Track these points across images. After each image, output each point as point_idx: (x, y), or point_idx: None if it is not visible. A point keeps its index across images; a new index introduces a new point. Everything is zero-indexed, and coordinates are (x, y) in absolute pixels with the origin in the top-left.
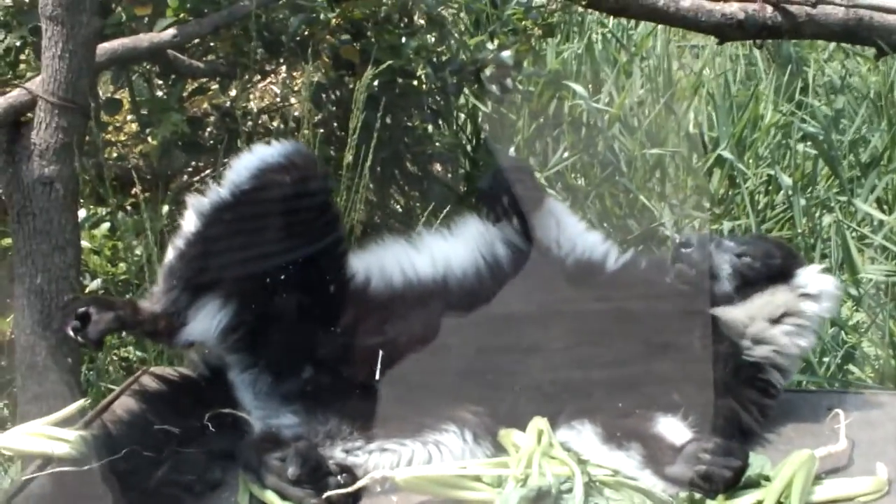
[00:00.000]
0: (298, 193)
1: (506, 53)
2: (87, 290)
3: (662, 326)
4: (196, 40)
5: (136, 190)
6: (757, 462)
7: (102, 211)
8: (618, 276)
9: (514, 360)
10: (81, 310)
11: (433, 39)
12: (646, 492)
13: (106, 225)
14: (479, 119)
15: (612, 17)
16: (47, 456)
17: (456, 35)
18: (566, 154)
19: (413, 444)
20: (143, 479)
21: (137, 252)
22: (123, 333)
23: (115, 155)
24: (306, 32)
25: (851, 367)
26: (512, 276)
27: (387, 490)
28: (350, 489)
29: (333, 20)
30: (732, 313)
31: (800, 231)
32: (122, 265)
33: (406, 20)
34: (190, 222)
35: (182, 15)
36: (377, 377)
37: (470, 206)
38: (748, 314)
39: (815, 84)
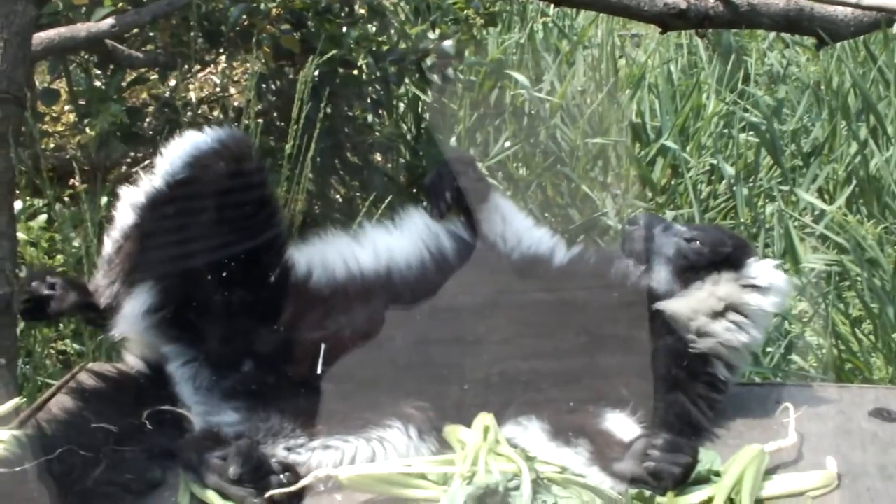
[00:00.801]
0: (234, 179)
1: (447, 43)
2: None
3: (609, 321)
4: (135, 30)
5: (74, 181)
6: (706, 458)
7: (39, 202)
8: (564, 271)
9: (459, 355)
10: (50, 280)
11: (374, 29)
12: (594, 489)
13: (43, 216)
14: (420, 109)
15: (553, 6)
16: None
17: (397, 24)
18: (508, 143)
19: (356, 441)
20: (79, 479)
21: (75, 244)
22: (60, 325)
23: (52, 146)
24: (247, 22)
25: (795, 356)
26: (457, 270)
27: (330, 489)
28: (293, 488)
29: (274, 10)
30: (676, 305)
31: (742, 220)
32: (60, 257)
33: (347, 10)
34: (125, 214)
35: (120, 4)
36: (319, 372)
37: (411, 196)
38: (691, 307)
39: (756, 74)
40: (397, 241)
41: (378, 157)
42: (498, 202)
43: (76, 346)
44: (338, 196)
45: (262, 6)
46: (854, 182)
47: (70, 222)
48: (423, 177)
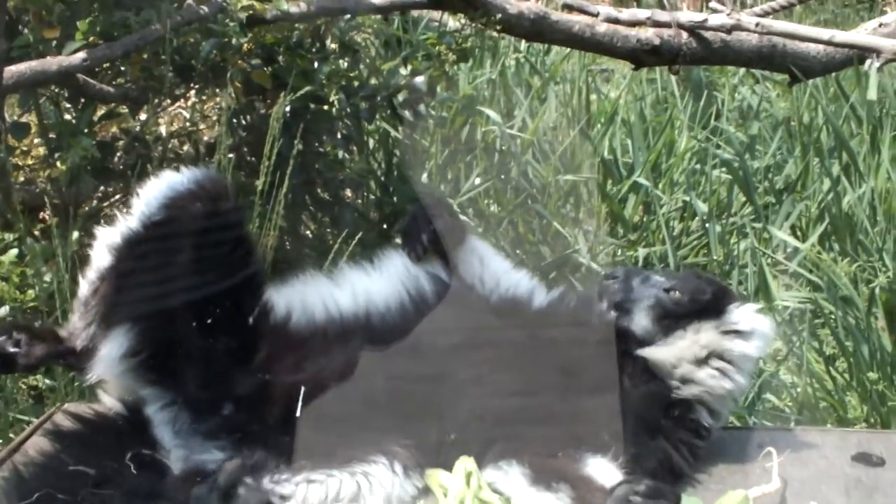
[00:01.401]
0: (211, 221)
1: (419, 79)
2: None
3: (591, 365)
4: (106, 64)
5: (44, 215)
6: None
7: (10, 236)
8: (544, 314)
9: (440, 397)
10: (16, 336)
11: (346, 65)
12: None
13: (14, 251)
14: (391, 145)
15: (525, 42)
16: None
17: (367, 60)
18: (479, 180)
19: (341, 475)
20: None
21: (47, 278)
22: None
23: (22, 179)
24: (218, 57)
25: (769, 395)
26: (436, 312)
27: None
28: None
29: (245, 45)
30: (659, 353)
31: (715, 258)
32: (31, 292)
33: (318, 45)
34: (101, 255)
35: (92, 38)
36: (299, 415)
37: (382, 232)
38: (675, 355)
39: (728, 110)
40: (376, 283)
41: (349, 192)
42: (475, 244)
43: (48, 381)
44: (308, 232)
45: (234, 41)
46: (827, 219)
47: (41, 256)
48: (394, 213)
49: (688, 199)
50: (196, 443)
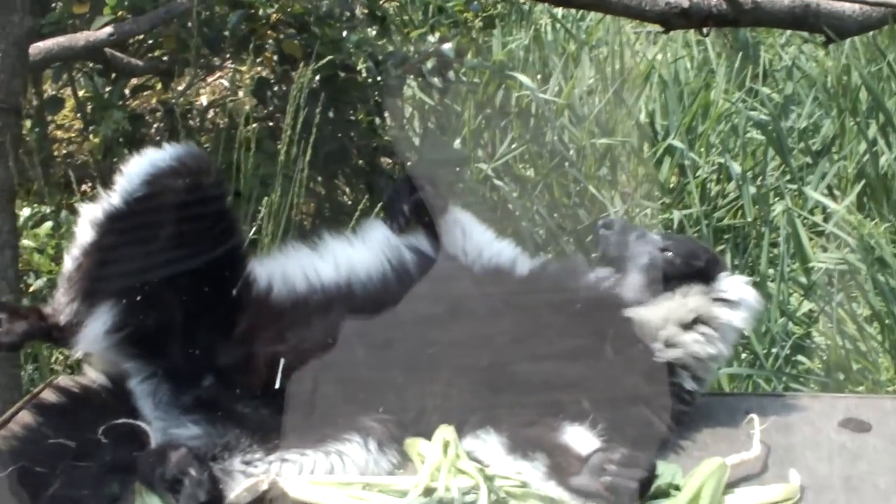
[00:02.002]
0: (192, 197)
1: (447, 46)
2: (30, 290)
3: (572, 332)
4: (138, 38)
5: (79, 188)
6: (667, 471)
7: (45, 209)
8: (526, 282)
9: (419, 367)
10: None
11: (374, 33)
12: (553, 503)
13: (49, 223)
14: (424, 111)
15: (555, 7)
16: None
17: (395, 28)
18: (514, 145)
19: (315, 454)
20: (35, 496)
21: None
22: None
23: (58, 152)
24: (247, 29)
25: (801, 357)
26: (418, 282)
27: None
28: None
29: (274, 16)
30: (646, 313)
31: (750, 219)
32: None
33: (347, 14)
34: (84, 231)
35: (120, 13)
36: (278, 386)
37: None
38: (661, 315)
39: (772, 70)
40: (358, 253)
41: (384, 160)
42: (457, 216)
43: None
44: (346, 199)
45: (262, 12)
46: (863, 180)
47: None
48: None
49: (723, 161)
50: (173, 416)
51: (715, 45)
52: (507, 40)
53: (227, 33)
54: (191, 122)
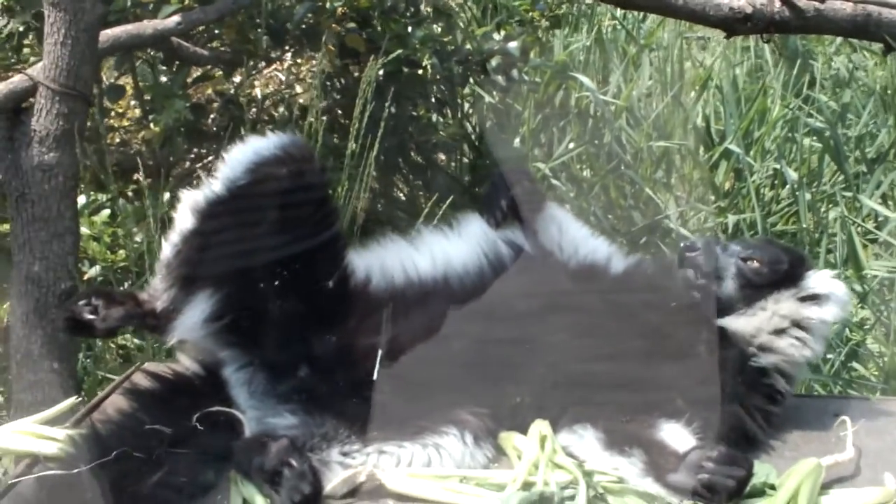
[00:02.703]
0: (295, 187)
1: (512, 44)
2: (85, 278)
3: (667, 331)
4: (200, 27)
5: (137, 176)
6: (762, 471)
7: (103, 197)
8: (622, 280)
9: (516, 361)
10: (94, 301)
11: (439, 29)
12: (650, 499)
13: (106, 212)
14: (478, 109)
15: (619, 9)
16: (36, 455)
17: (461, 25)
18: (572, 145)
19: (412, 447)
20: (133, 481)
21: (137, 239)
22: None
23: (117, 141)
24: (312, 21)
25: (856, 365)
26: (515, 277)
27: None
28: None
29: (339, 9)
30: (738, 324)
31: (805, 226)
32: (122, 252)
33: (412, 10)
34: (184, 218)
35: (187, 2)
36: (376, 377)
37: (474, 196)
38: (755, 325)
39: (823, 78)
40: (455, 246)
41: (441, 156)
42: (553, 212)
43: (136, 341)
44: (401, 195)
45: (328, 5)
46: None
47: (133, 217)
48: (487, 177)
49: (778, 166)
50: (269, 405)
51: (773, 53)
52: (568, 41)
53: (289, 25)
54: (247, 114)
